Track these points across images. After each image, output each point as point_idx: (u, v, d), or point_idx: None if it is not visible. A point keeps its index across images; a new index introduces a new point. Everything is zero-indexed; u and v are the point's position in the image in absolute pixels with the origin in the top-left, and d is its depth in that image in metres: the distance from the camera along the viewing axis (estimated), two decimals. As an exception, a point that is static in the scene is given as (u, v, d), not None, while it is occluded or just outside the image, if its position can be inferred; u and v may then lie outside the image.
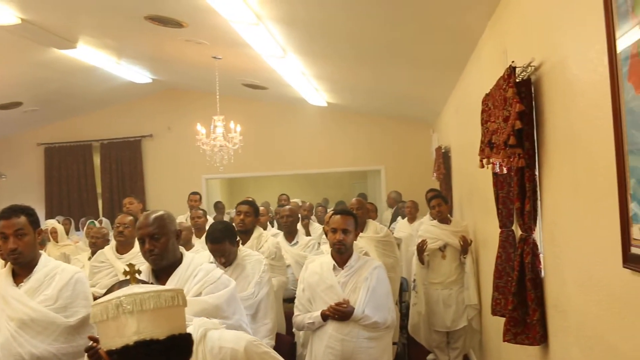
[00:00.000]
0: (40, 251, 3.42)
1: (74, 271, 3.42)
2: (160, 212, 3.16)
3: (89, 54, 8.55)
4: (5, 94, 10.07)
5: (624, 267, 2.03)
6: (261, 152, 12.15)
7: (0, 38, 7.23)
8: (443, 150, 8.81)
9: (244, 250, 4.41)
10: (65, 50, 8.12)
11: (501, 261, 3.92)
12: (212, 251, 4.20)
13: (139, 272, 2.10)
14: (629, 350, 2.11)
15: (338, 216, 4.06)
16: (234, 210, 5.70)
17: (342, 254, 4.06)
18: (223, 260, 4.17)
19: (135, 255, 4.99)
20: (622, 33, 1.96)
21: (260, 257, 4.36)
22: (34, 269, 3.31)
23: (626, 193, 1.99)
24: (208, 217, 8.14)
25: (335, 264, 4.08)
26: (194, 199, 9.53)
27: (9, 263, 3.36)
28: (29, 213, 3.34)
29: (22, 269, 3.31)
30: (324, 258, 4.20)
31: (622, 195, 2.02)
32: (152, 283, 2.99)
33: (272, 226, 7.80)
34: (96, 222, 8.57)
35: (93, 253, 5.69)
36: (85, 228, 8.76)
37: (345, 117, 12.16)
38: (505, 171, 3.51)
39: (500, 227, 3.98)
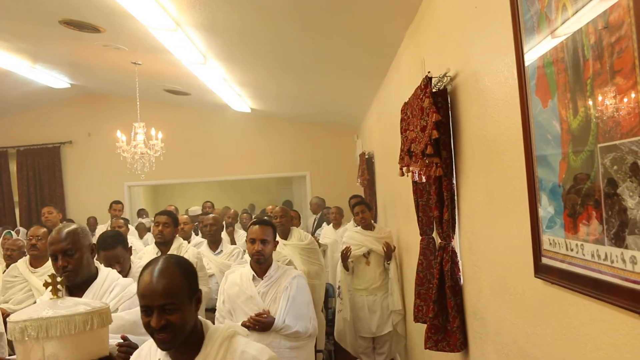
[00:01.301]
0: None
1: (-19, 290, 3.28)
2: (73, 226, 3.05)
3: (2, 58, 8.26)
4: None
5: (536, 277, 2.08)
6: (185, 159, 11.99)
7: None
8: (367, 156, 8.88)
9: None
10: (-25, 54, 7.84)
11: (422, 268, 3.97)
12: (106, 259, 4.00)
13: (63, 283, 2.00)
14: (541, 357, 2.16)
15: (256, 226, 4.03)
16: (153, 219, 5.57)
17: (261, 264, 4.04)
18: (119, 269, 4.02)
19: (50, 269, 4.80)
20: (529, 47, 2.01)
21: None
22: None
23: (536, 204, 2.03)
24: (130, 225, 7.96)
25: (255, 274, 4.05)
26: (117, 208, 9.34)
27: None
28: None
29: None
30: (244, 269, 4.16)
31: (533, 207, 2.06)
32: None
33: (197, 234, 7.68)
34: (13, 233, 8.25)
35: (8, 266, 5.46)
36: (0, 239, 8.44)
37: (269, 123, 12.13)
38: (424, 180, 3.55)
39: (421, 235, 4.02)
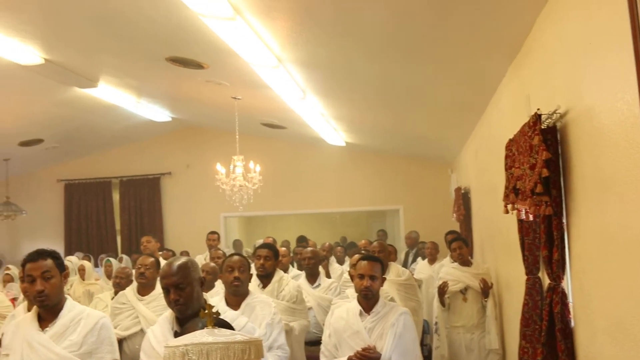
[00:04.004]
0: (65, 295, 3.41)
1: (99, 316, 3.41)
2: (184, 260, 3.13)
3: (110, 93, 8.65)
4: (28, 131, 10.23)
5: (661, 323, 1.99)
6: (280, 191, 12.13)
7: (24, 77, 7.34)
8: (463, 191, 8.77)
9: (252, 293, 4.35)
10: (86, 89, 8.22)
11: (528, 309, 3.87)
12: (230, 263, 4.21)
13: (218, 314, 2.05)
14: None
15: (365, 262, 4.05)
16: (251, 249, 5.64)
17: (368, 300, 4.05)
18: (237, 276, 4.12)
19: (157, 297, 4.98)
20: (656, 87, 1.95)
21: (268, 300, 4.33)
22: (60, 314, 3.29)
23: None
24: (228, 257, 8.07)
25: (362, 310, 4.06)
26: (213, 238, 9.52)
27: (34, 307, 3.36)
28: (55, 256, 3.36)
29: (47, 313, 3.30)
30: (350, 303, 4.19)
31: (658, 250, 1.99)
32: (176, 331, 2.96)
33: (293, 266, 7.77)
34: (112, 260, 8.58)
35: (116, 293, 5.68)
36: (103, 266, 8.78)
37: (363, 156, 12.16)
38: (531, 218, 3.48)
39: (527, 274, 3.93)
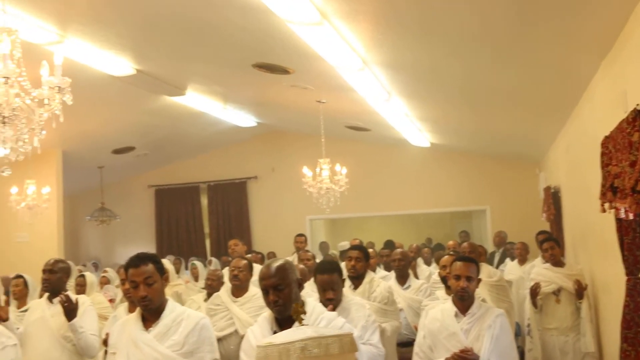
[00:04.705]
0: (166, 297, 3.53)
1: (200, 317, 3.51)
2: (281, 262, 3.17)
3: (197, 100, 8.88)
4: (120, 139, 10.64)
5: None
6: (364, 193, 12.08)
7: (117, 88, 7.61)
8: (552, 190, 8.57)
9: (346, 295, 4.32)
10: (175, 97, 8.47)
11: (629, 310, 3.76)
12: (322, 283, 4.02)
13: (304, 312, 2.09)
14: None
15: (461, 263, 4.01)
16: (336, 251, 5.64)
17: (464, 301, 4.02)
18: (332, 296, 3.96)
19: (250, 298, 5.10)
20: None
21: (362, 302, 4.31)
22: (162, 315, 3.41)
23: None
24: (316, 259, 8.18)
25: (457, 311, 4.04)
26: (300, 241, 9.62)
27: (138, 308, 3.50)
28: (155, 260, 3.47)
29: (150, 314, 3.43)
30: (445, 305, 4.17)
31: None
32: (275, 332, 3.02)
33: (380, 267, 7.78)
34: (197, 262, 8.83)
35: (209, 295, 5.82)
36: (190, 268, 9.06)
37: (448, 157, 12.02)
38: (631, 217, 3.39)
39: (627, 275, 3.82)
